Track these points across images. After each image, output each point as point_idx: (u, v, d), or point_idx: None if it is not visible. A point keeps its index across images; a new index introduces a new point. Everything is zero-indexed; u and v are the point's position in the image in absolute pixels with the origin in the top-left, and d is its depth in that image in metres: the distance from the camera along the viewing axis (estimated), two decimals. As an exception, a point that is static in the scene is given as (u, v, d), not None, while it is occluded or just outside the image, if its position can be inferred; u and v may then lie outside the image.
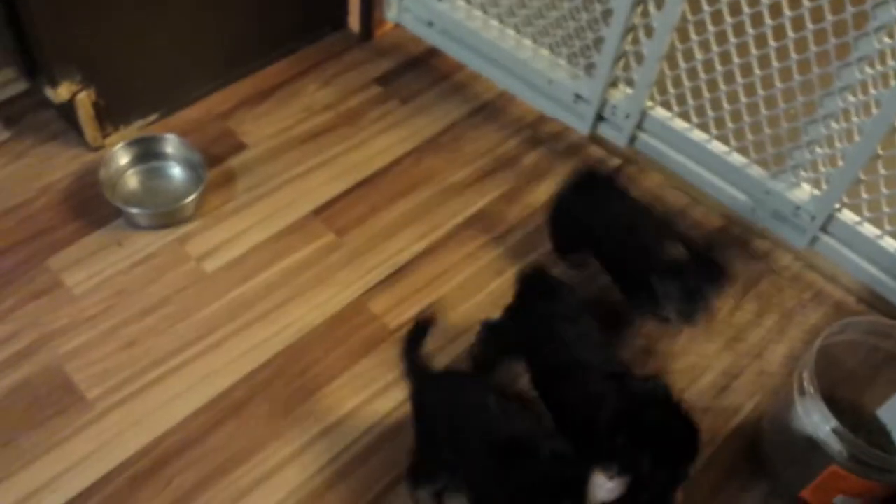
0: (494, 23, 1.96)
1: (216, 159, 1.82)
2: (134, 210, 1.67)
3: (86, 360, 1.50)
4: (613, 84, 1.81)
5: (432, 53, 2.11)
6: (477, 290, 1.66)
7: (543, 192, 1.84)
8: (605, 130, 1.89)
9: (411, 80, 2.05)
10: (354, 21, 2.13)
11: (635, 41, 1.71)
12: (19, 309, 1.56)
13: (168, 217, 1.70)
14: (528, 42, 1.92)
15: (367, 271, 1.67)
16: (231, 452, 1.41)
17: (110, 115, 1.79)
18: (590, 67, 1.82)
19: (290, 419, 1.46)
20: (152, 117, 1.88)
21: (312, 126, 1.93)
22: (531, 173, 1.88)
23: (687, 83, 1.70)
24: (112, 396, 1.46)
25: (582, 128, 1.91)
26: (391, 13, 2.13)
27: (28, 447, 1.40)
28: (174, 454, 1.40)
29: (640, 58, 1.71)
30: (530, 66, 1.91)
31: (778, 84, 1.57)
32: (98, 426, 1.43)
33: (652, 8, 1.63)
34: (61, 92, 1.67)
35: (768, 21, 1.51)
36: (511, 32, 1.94)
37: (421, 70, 2.08)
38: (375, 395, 1.50)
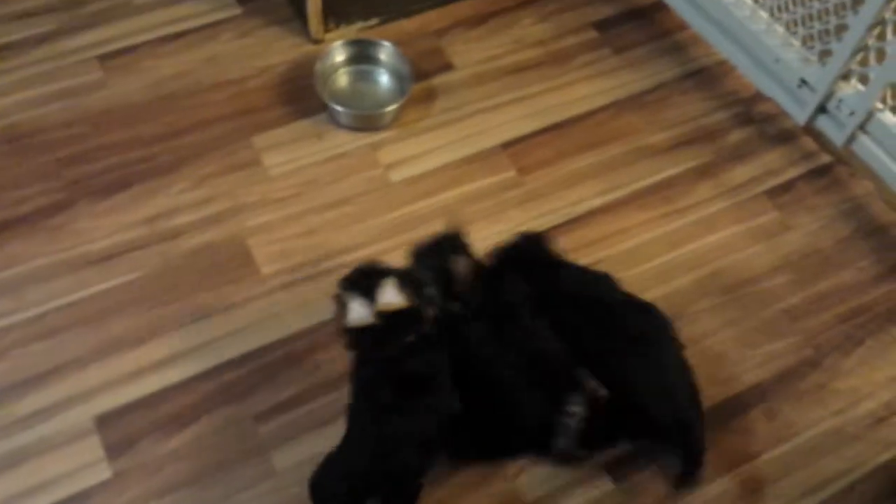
0: (732, -13, 1.86)
1: (422, 74, 1.86)
2: (338, 108, 1.75)
3: (268, 237, 1.61)
4: (845, 77, 1.68)
5: (658, 7, 2.03)
6: (645, 260, 1.63)
7: (740, 174, 1.76)
8: (822, 123, 1.77)
9: (629, 31, 1.99)
10: (586, -40, 2.08)
11: (881, 37, 1.57)
12: (218, 177, 1.68)
13: (367, 121, 1.76)
14: (764, 14, 1.80)
15: (541, 215, 1.68)
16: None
17: (335, 12, 1.87)
18: (824, 54, 1.70)
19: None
20: (372, 21, 1.94)
21: (520, 59, 1.92)
22: (732, 152, 1.80)
23: (929, 92, 1.56)
24: (284, 276, 1.57)
25: (799, 116, 1.79)
26: (625, -42, 2.06)
27: (201, 305, 1.52)
28: (328, 343, 1.48)
29: (881, 55, 1.58)
30: (760, 40, 1.80)
31: None
32: (266, 300, 1.54)
33: (911, 4, 1.49)
34: (296, -18, 1.75)
35: None
36: (748, 1, 1.83)
37: (642, 22, 2.01)
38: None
